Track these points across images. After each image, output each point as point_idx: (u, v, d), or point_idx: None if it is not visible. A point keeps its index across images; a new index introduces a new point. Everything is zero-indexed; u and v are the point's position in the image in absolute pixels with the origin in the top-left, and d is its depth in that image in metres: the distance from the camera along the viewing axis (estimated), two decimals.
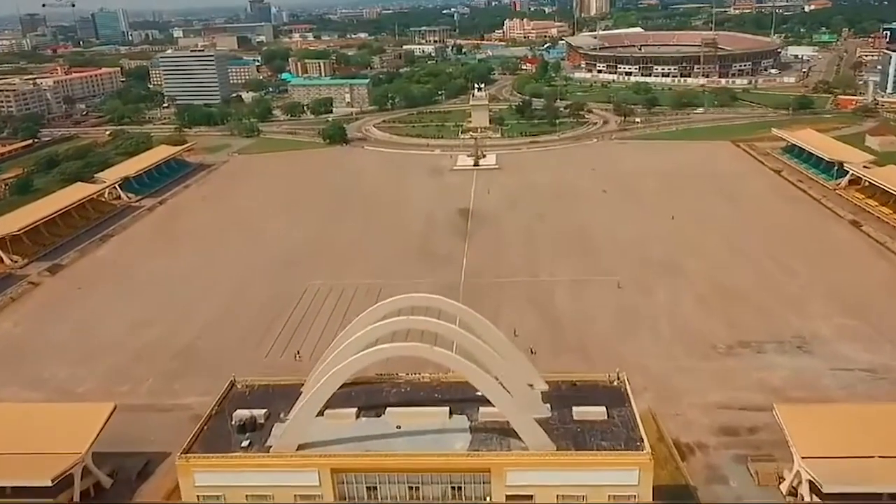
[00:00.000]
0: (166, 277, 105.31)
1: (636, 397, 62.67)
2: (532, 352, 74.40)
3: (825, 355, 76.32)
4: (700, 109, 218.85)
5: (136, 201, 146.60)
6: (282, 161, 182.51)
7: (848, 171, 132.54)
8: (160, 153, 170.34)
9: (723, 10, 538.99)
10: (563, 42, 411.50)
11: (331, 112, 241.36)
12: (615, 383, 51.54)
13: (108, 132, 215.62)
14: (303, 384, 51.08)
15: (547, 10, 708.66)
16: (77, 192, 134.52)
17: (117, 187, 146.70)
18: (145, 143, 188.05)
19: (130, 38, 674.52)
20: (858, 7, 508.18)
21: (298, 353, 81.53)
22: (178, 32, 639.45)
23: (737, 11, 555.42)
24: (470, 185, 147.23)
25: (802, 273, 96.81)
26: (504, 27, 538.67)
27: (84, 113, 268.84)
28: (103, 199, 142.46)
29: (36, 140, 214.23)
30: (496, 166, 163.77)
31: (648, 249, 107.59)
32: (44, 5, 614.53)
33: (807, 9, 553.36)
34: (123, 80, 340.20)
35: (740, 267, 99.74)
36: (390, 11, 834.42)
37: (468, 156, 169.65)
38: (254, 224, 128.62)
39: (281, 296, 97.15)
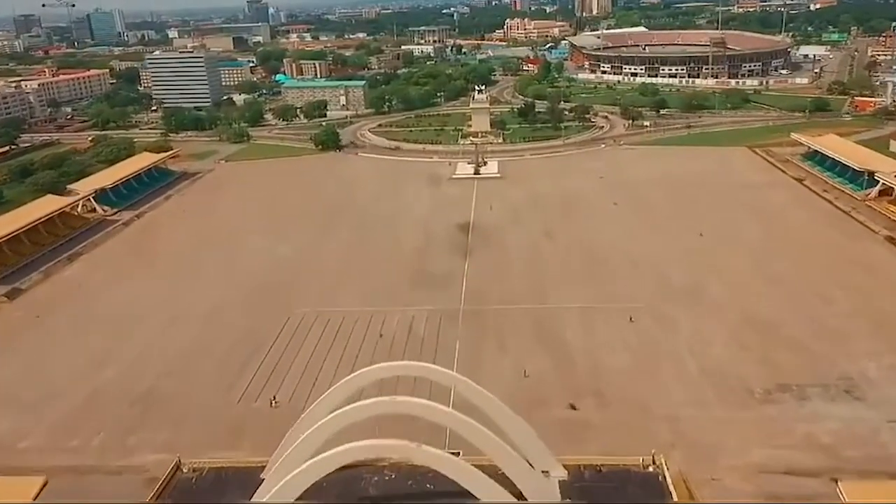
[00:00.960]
0: (134, 304, 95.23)
1: (666, 456, 53.61)
2: (573, 408, 65.47)
3: (878, 402, 66.17)
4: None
5: (112, 214, 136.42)
6: (270, 169, 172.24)
7: (878, 181, 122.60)
8: (141, 161, 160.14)
9: (727, 8, 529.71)
10: (565, 42, 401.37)
11: (325, 115, 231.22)
12: (650, 468, 41.53)
13: (90, 138, 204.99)
14: (264, 467, 41.09)
15: (548, 9, 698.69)
16: (46, 206, 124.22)
17: (92, 199, 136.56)
18: (127, 149, 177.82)
19: (126, 38, 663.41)
20: (865, 5, 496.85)
21: (275, 398, 71.65)
22: (173, 33, 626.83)
23: (741, 10, 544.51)
24: (470, 196, 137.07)
25: (841, 300, 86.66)
26: (505, 27, 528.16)
27: (68, 117, 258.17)
28: (76, 213, 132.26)
29: (13, 146, 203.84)
30: (498, 175, 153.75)
31: (667, 271, 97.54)
32: (43, 5, 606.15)
33: (812, 7, 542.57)
34: (113, 81, 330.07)
35: (771, 293, 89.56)
36: (389, 11, 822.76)
37: (468, 163, 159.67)
38: (235, 241, 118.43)
39: (260, 326, 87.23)
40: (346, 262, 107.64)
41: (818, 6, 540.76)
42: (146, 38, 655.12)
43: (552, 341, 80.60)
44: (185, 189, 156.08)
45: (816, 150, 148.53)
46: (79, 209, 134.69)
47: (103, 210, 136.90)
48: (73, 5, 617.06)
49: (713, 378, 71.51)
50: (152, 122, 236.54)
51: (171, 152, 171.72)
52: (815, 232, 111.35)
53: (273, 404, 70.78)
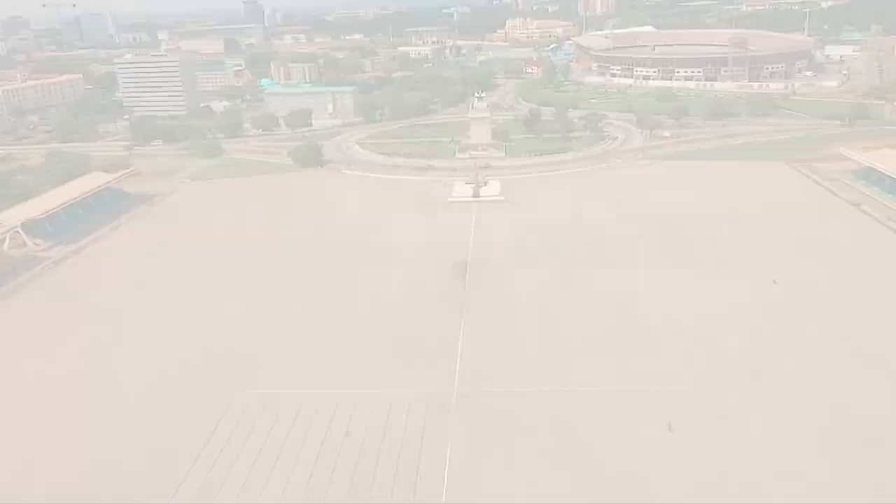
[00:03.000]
0: (33, 387, 74.09)
1: None
2: None
3: None
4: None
5: (46, 250, 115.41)
6: (240, 190, 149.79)
7: None
8: (90, 183, 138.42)
9: (735, 6, 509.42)
10: (570, 42, 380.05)
11: (310, 125, 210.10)
12: None
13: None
14: None
15: (550, 8, 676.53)
16: None
17: (20, 232, 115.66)
18: (82, 166, 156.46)
19: (117, 41, 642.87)
20: (880, 2, 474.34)
21: None
22: (163, 35, 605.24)
23: (750, 8, 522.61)
24: (468, 227, 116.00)
25: None
26: (506, 27, 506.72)
27: (32, 127, 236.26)
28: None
29: None
30: (500, 197, 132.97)
31: (718, 337, 76.54)
32: (44, 5, 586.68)
33: (825, 5, 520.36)
34: (89, 87, 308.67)
35: (862, 373, 68.39)
36: (388, 12, 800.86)
37: (466, 183, 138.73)
38: (181, 291, 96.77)
39: (190, 421, 66.44)
40: (311, 322, 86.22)
41: (830, 4, 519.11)
42: (137, 40, 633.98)
43: (577, 449, 59.72)
44: (138, 217, 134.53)
45: (871, 168, 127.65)
46: (6, 245, 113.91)
47: (35, 244, 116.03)
48: (74, 5, 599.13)
49: None
50: (120, 134, 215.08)
51: (126, 171, 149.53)
52: (893, 278, 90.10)
53: None
